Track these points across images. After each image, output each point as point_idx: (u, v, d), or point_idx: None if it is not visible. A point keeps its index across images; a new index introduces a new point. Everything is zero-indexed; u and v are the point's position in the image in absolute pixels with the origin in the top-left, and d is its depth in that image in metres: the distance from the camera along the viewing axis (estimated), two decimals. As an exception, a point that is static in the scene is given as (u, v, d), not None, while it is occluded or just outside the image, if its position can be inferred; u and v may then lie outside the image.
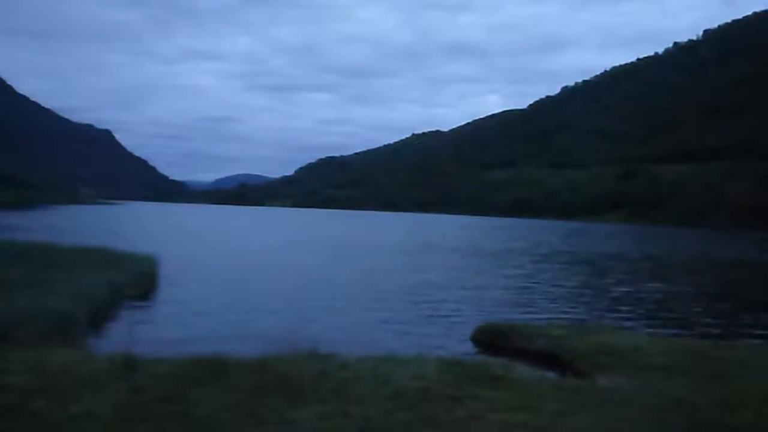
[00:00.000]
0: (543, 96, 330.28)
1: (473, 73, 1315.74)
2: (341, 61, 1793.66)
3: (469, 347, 11.46)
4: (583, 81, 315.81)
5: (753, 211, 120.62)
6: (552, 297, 19.03)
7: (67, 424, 5.17)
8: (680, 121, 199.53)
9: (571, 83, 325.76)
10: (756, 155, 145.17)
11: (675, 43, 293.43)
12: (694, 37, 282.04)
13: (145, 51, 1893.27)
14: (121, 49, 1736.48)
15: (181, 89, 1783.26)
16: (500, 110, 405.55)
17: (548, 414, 5.96)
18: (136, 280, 15.88)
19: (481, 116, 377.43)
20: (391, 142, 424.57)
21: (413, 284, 20.48)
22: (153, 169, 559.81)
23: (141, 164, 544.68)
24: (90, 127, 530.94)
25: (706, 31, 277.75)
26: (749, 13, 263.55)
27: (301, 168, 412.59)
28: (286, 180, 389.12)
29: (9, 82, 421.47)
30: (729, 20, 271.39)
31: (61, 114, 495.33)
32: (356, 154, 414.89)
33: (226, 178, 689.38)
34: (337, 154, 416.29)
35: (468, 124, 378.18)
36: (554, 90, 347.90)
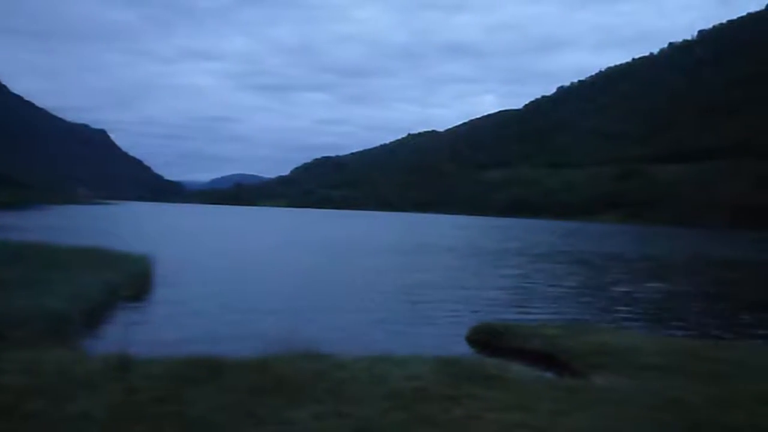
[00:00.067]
0: (539, 96, 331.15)
1: (469, 73, 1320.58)
2: (338, 60, 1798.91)
3: (465, 347, 11.45)
4: (579, 81, 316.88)
5: (749, 211, 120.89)
6: (549, 297, 19.04)
7: (62, 424, 5.15)
8: (676, 121, 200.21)
9: (567, 83, 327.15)
10: (752, 155, 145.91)
11: (670, 44, 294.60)
12: (690, 38, 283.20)
13: (142, 51, 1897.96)
14: (119, 48, 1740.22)
15: (177, 89, 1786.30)
16: (496, 110, 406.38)
17: (545, 413, 5.96)
18: (132, 280, 15.81)
19: (478, 116, 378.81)
20: (388, 142, 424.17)
21: (409, 284, 20.49)
22: (148, 169, 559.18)
23: (136, 164, 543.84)
24: (85, 126, 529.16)
25: (701, 32, 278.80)
26: (744, 13, 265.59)
27: (296, 168, 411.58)
28: (281, 180, 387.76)
29: (3, 82, 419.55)
30: (724, 21, 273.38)
31: (56, 114, 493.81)
32: (352, 154, 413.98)
33: (222, 178, 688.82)
34: (333, 154, 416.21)
35: (464, 124, 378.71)
36: (550, 90, 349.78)
